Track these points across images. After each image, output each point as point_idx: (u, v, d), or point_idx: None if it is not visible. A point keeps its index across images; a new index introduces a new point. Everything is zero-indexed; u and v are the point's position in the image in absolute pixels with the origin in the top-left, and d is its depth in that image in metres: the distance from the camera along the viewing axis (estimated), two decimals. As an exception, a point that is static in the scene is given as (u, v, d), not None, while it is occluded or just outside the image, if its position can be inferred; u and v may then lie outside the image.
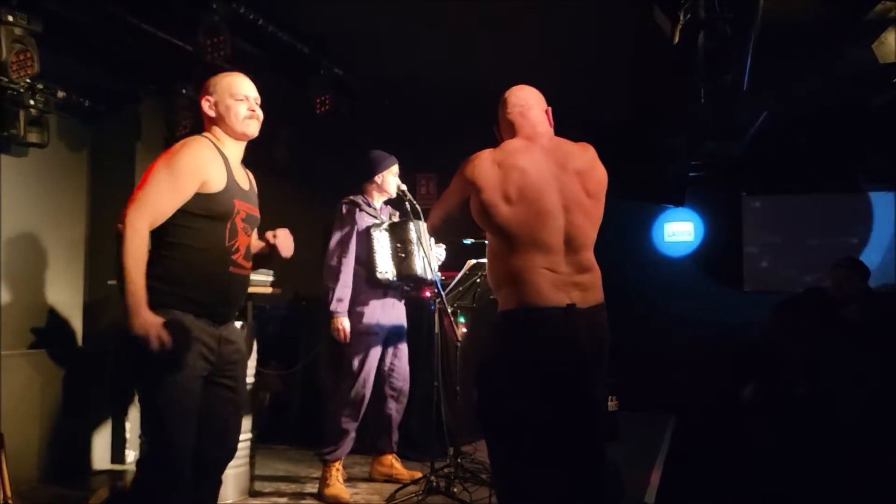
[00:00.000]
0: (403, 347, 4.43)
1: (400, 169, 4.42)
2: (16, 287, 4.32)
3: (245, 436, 4.12)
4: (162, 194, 2.46)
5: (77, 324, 4.78)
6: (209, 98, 2.66)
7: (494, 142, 2.71)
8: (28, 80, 3.93)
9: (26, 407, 4.24)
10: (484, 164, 2.51)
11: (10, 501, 3.66)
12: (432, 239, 4.09)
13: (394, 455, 4.50)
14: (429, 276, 4.20)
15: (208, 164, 2.55)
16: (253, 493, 4.20)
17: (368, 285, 4.23)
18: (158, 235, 2.52)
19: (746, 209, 7.69)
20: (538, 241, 2.44)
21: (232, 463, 3.95)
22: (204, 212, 2.53)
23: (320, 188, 6.27)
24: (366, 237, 4.21)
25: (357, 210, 4.29)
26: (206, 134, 2.66)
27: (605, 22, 4.66)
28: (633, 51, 4.84)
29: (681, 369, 6.84)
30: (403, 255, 4.15)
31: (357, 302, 4.23)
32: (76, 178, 4.83)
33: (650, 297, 7.25)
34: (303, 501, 4.16)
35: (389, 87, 6.07)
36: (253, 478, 4.24)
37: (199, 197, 2.52)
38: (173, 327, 2.43)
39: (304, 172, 6.60)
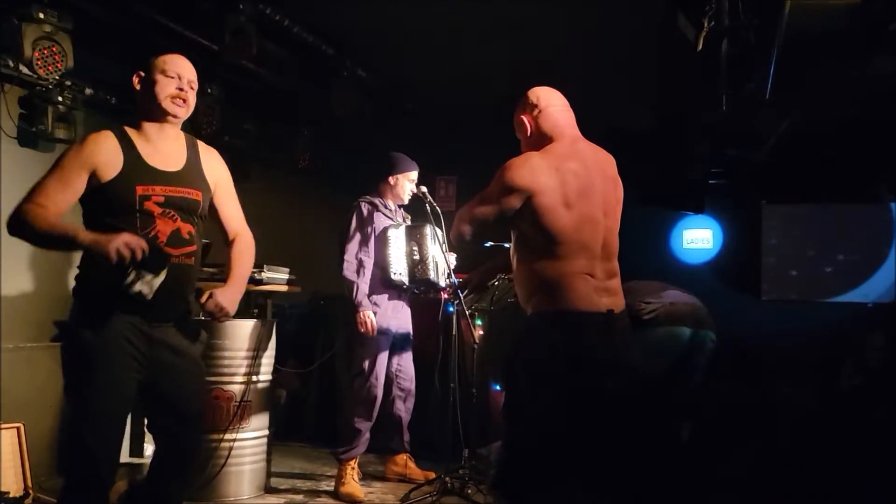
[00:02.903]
0: (409, 349, 4.47)
1: (420, 170, 4.44)
2: (41, 280, 4.39)
3: (262, 433, 4.17)
4: (49, 185, 2.38)
5: (99, 318, 4.83)
6: (140, 73, 2.54)
7: (516, 145, 2.71)
8: (57, 77, 3.99)
9: (47, 399, 4.29)
10: (540, 168, 2.45)
11: (30, 491, 3.72)
12: (445, 244, 4.11)
13: (408, 455, 4.53)
14: (441, 281, 4.24)
15: (97, 153, 2.42)
16: (269, 490, 4.24)
17: (382, 286, 4.27)
18: None
19: (766, 217, 7.65)
20: (583, 246, 2.44)
21: (249, 459, 4.06)
22: (104, 204, 2.43)
23: (341, 189, 6.30)
24: (382, 238, 4.24)
25: (375, 210, 4.33)
26: (123, 125, 2.52)
27: (628, 28, 4.66)
28: (656, 57, 4.83)
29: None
30: (418, 257, 4.18)
31: (370, 302, 4.27)
32: (101, 174, 4.88)
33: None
34: (318, 499, 4.20)
35: (412, 89, 6.10)
36: (269, 474, 4.29)
37: (95, 190, 2.42)
38: (96, 324, 2.37)
39: (326, 173, 6.65)
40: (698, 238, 7.83)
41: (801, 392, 5.97)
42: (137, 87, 2.55)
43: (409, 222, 4.45)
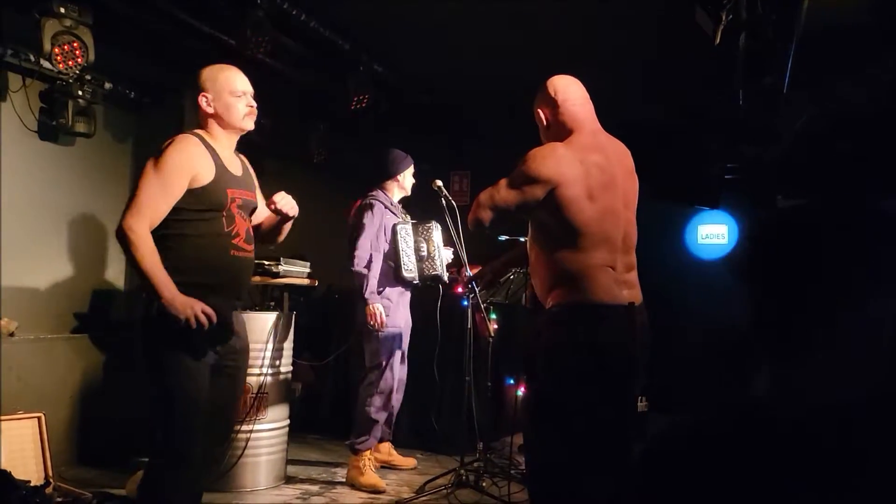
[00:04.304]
0: (407, 341, 4.56)
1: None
2: (61, 273, 4.44)
3: (279, 424, 4.20)
4: (154, 196, 2.51)
5: (119, 309, 4.89)
6: (206, 95, 2.69)
7: (530, 140, 2.70)
8: (77, 71, 4.03)
9: (68, 389, 4.34)
10: (566, 159, 2.42)
11: (51, 480, 3.76)
12: (461, 240, 4.15)
13: (390, 443, 4.69)
14: (447, 277, 4.35)
15: (195, 159, 2.60)
16: (286, 481, 4.28)
17: (392, 281, 4.36)
18: (159, 230, 2.55)
19: (782, 213, 7.59)
20: (605, 238, 2.43)
21: (266, 450, 4.10)
22: (198, 205, 2.59)
23: (356, 183, 6.32)
24: (392, 234, 4.31)
25: (383, 206, 4.43)
26: (196, 131, 2.70)
27: (645, 20, 4.65)
28: (673, 50, 4.82)
29: (712, 372, 6.79)
30: (425, 254, 4.26)
31: (381, 296, 4.35)
32: (120, 167, 4.93)
33: (682, 299, 7.19)
34: (334, 489, 4.23)
35: (427, 84, 6.11)
36: (287, 465, 4.32)
37: (191, 192, 2.58)
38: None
39: (341, 167, 6.67)
40: (713, 233, 7.79)
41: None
42: (209, 109, 2.69)
43: (408, 218, 4.52)
